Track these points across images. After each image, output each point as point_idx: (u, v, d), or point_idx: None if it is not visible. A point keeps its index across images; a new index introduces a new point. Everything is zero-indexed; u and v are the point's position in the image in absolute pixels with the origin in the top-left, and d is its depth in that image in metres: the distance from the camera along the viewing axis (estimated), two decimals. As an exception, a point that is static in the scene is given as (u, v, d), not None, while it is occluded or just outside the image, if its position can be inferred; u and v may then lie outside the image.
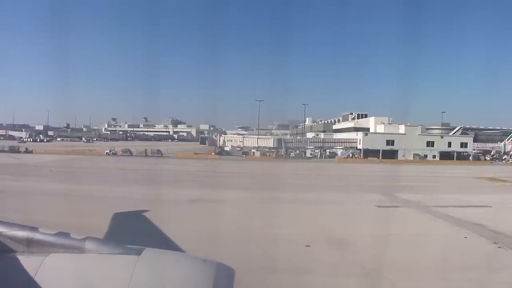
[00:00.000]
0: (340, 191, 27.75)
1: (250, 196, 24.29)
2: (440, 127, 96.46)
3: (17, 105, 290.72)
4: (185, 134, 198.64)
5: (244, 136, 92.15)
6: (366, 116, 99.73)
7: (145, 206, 16.45)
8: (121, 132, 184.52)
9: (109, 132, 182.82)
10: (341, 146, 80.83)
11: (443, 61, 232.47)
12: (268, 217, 16.95)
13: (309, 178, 38.94)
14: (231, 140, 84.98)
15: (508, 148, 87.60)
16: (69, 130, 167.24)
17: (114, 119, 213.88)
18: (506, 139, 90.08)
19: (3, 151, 64.60)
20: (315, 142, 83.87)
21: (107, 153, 66.66)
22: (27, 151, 65.06)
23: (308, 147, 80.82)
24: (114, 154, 65.71)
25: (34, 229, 2.52)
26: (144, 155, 65.95)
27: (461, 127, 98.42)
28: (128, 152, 67.00)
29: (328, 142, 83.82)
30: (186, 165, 49.03)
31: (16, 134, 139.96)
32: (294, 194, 24.62)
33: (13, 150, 66.08)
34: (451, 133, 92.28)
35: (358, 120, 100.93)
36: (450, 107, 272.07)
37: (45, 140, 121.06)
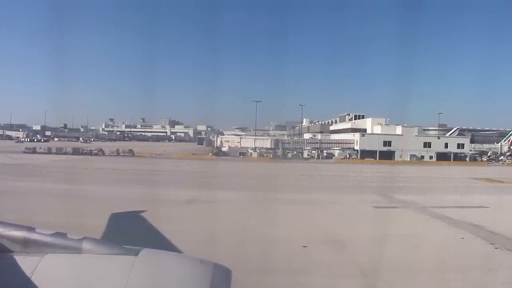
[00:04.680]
0: (336, 192, 27.77)
1: (246, 196, 24.23)
2: (437, 128, 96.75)
3: (15, 105, 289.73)
4: (182, 134, 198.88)
5: (242, 136, 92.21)
6: (363, 117, 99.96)
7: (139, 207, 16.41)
8: (118, 133, 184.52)
9: (106, 133, 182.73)
10: (338, 147, 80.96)
11: (440, 63, 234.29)
12: (264, 218, 16.96)
13: (306, 178, 38.98)
14: (229, 141, 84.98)
15: (504, 149, 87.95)
16: (66, 130, 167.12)
17: (111, 120, 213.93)
18: (503, 140, 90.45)
19: (65, 153, 65.09)
20: (312, 143, 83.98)
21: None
22: (92, 153, 65.54)
23: (305, 148, 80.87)
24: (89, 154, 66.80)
25: (31, 229, 2.51)
26: (116, 154, 66.40)
27: (458, 128, 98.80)
28: (100, 152, 67.81)
29: (325, 143, 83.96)
30: (183, 166, 48.96)
31: (13, 134, 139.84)
32: (290, 194, 24.59)
33: (77, 152, 66.41)
34: (448, 134, 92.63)
35: (355, 121, 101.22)
36: (447, 108, 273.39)
37: (42, 140, 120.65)
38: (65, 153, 64.97)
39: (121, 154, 66.38)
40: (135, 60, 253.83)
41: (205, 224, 15.01)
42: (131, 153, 67.61)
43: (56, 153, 63.86)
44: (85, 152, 66.63)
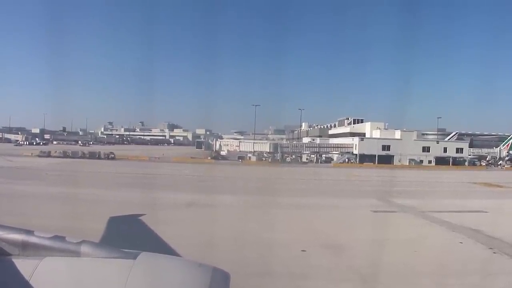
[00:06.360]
0: (335, 196, 27.77)
1: (244, 200, 24.16)
2: (436, 133, 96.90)
3: (14, 108, 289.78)
4: (181, 138, 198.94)
5: (240, 140, 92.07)
6: (362, 121, 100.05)
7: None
8: (117, 136, 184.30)
9: (105, 136, 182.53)
10: (337, 151, 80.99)
11: (439, 67, 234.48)
12: (262, 222, 16.95)
13: (305, 183, 38.97)
14: (227, 145, 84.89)
15: (503, 153, 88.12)
16: (65, 133, 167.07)
17: (110, 123, 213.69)
18: (502, 145, 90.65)
19: (81, 156, 66.36)
20: (311, 147, 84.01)
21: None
22: (109, 157, 66.64)
23: (304, 152, 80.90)
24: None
25: (29, 232, 2.51)
26: (97, 157, 67.50)
27: (456, 133, 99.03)
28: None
29: (324, 147, 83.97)
30: (182, 169, 48.92)
31: (12, 137, 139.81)
32: (289, 199, 24.51)
33: (93, 156, 67.55)
34: (446, 139, 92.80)
35: (354, 125, 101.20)
36: (446, 112, 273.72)
37: (41, 143, 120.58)
38: (81, 157, 66.37)
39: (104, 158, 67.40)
40: (134, 63, 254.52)
41: (204, 227, 14.99)
42: (112, 155, 69.02)
43: (71, 157, 65.84)
44: (98, 156, 67.75)
